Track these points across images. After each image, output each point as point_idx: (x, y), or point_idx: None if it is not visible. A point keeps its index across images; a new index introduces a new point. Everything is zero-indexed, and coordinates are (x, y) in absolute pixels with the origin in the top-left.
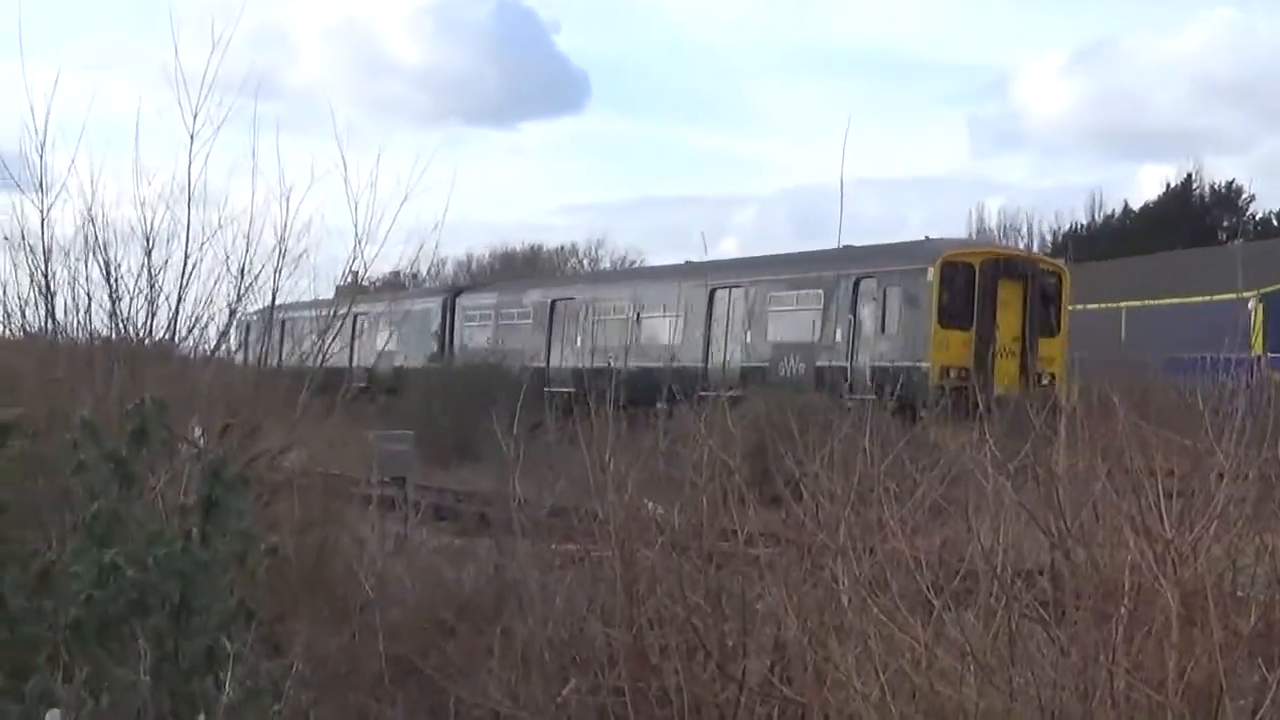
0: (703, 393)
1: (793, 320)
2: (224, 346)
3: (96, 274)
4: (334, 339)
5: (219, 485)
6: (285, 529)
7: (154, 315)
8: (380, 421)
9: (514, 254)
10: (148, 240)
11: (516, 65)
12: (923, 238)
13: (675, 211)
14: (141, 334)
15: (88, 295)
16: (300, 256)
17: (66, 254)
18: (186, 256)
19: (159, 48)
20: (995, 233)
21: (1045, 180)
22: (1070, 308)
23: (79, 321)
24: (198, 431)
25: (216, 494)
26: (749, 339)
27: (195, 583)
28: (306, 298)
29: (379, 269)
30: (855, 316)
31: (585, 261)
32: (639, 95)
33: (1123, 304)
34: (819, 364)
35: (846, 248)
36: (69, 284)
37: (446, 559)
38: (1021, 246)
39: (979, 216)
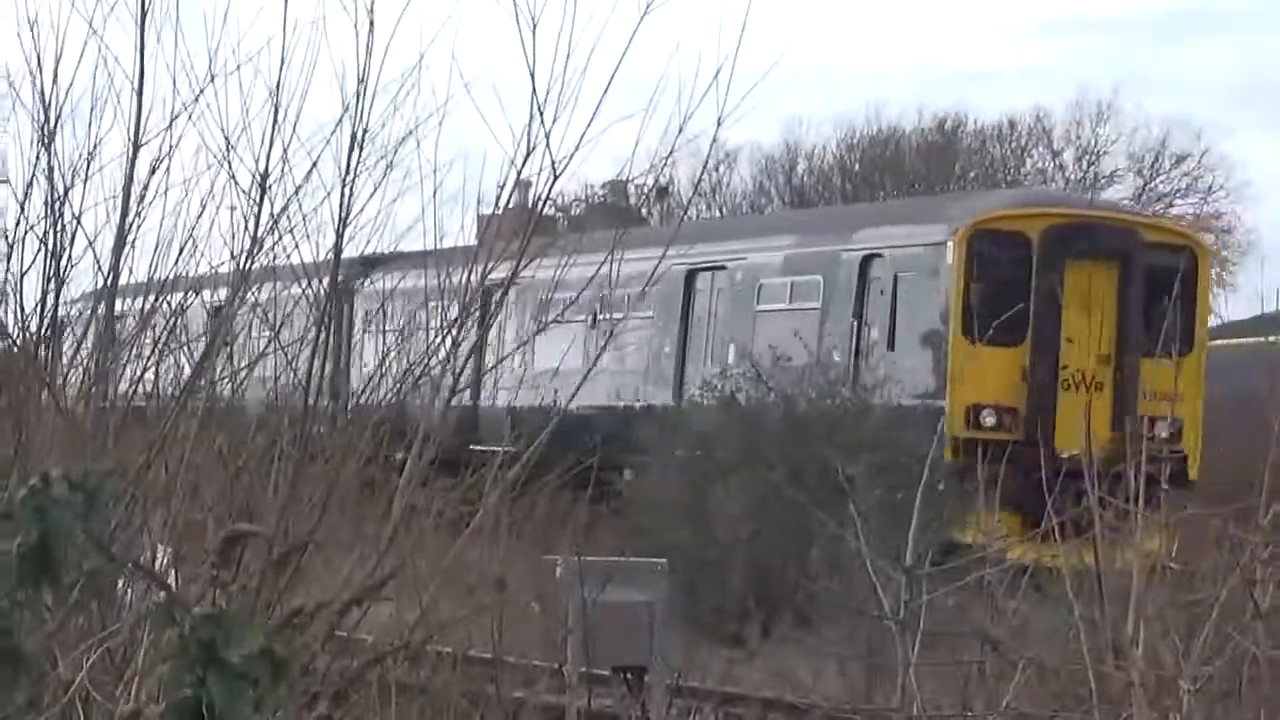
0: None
1: (786, 325)
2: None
3: None
4: (472, 336)
5: (216, 677)
6: None
7: (62, 281)
8: (580, 534)
9: (898, 139)
10: (45, 109)
11: None
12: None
13: None
14: (31, 323)
15: None
16: (395, 150)
17: None
18: (136, 145)
19: None
20: None
21: None
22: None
23: None
24: (161, 554)
25: (212, 697)
26: (730, 356)
27: None
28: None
29: (581, 177)
30: (862, 321)
31: (1073, 160)
32: None
33: None
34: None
35: (874, 205)
36: None
37: None
38: None
39: None
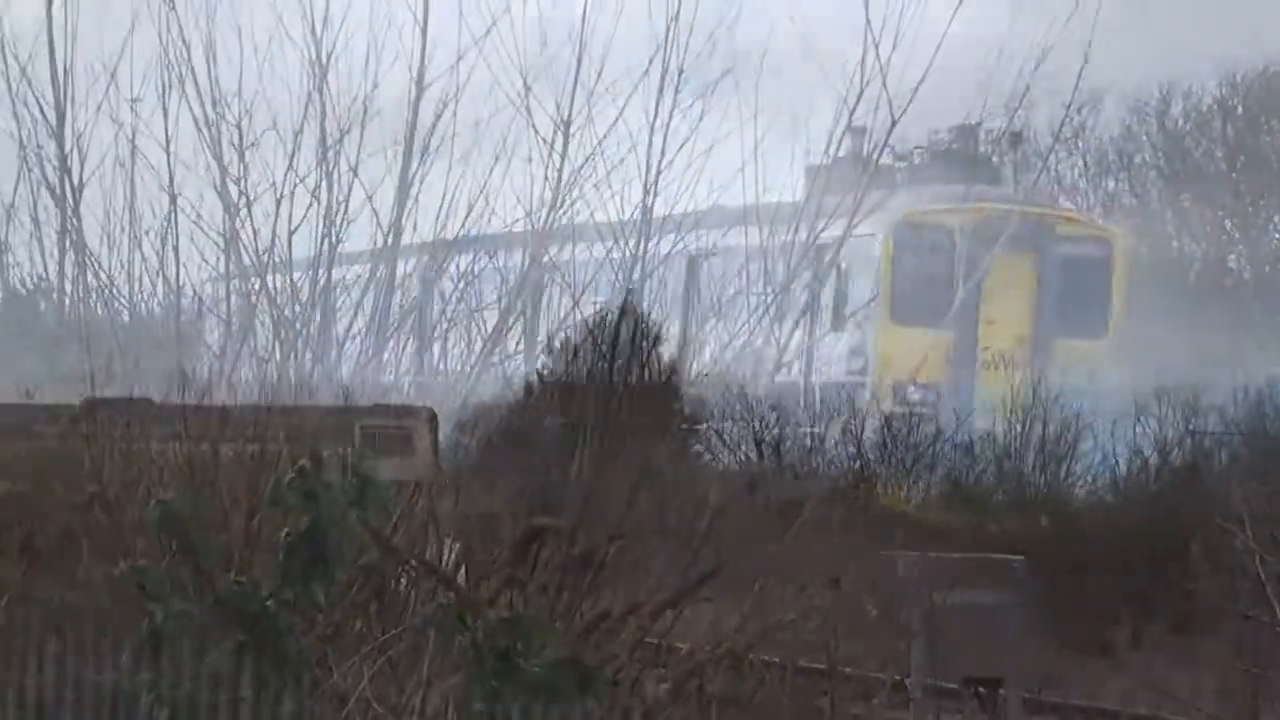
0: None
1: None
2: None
3: (187, 123)
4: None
5: (513, 689)
6: None
7: (336, 240)
8: (913, 532)
9: None
10: (317, 44)
11: None
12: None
13: None
14: (302, 289)
15: (168, 191)
16: (711, 90)
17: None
18: (420, 85)
19: None
20: None
21: None
22: None
23: (121, 264)
24: (448, 550)
25: (510, 710)
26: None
27: None
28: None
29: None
30: (819, 306)
31: None
32: None
33: None
34: (778, 379)
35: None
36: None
37: None
38: None
39: None
